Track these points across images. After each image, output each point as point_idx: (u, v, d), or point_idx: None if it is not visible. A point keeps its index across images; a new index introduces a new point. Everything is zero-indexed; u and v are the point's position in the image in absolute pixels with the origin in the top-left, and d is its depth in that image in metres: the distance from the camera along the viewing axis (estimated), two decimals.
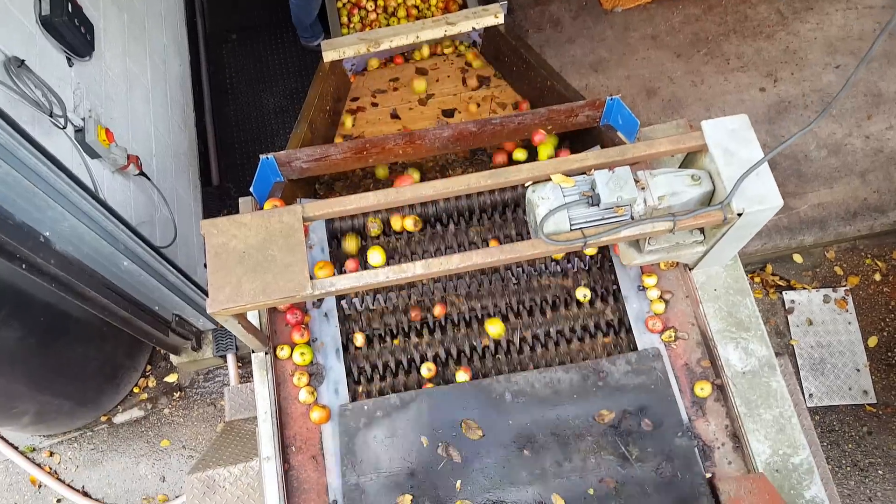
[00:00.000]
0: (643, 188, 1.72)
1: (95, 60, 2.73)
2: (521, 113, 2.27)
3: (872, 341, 3.65)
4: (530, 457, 1.88)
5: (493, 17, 2.84)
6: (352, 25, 3.92)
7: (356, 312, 2.18)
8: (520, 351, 2.12)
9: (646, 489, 1.82)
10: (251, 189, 2.17)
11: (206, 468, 2.67)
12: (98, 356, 3.27)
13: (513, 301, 2.17)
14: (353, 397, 2.05)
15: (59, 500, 3.60)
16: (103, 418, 3.70)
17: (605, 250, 2.20)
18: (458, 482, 1.85)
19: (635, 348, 2.07)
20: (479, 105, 2.81)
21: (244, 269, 1.61)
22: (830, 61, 4.08)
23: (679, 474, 1.84)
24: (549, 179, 1.74)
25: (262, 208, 2.16)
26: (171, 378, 3.76)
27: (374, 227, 2.23)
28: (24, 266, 2.17)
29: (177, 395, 3.76)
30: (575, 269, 2.20)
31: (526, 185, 1.77)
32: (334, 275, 2.15)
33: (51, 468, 3.65)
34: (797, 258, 3.83)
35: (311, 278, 1.61)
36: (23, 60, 2.16)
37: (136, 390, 3.75)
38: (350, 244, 2.21)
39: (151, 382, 3.77)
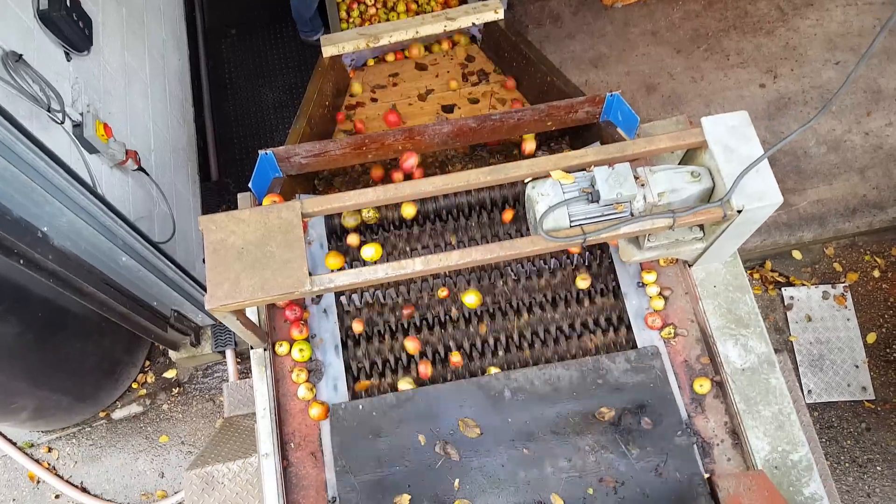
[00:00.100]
0: (643, 185, 1.71)
1: (94, 55, 2.72)
2: (520, 109, 2.26)
3: (871, 338, 3.65)
4: (529, 455, 1.87)
5: (493, 12, 2.83)
6: (351, 20, 3.90)
7: (355, 309, 2.18)
8: (519, 347, 2.11)
9: (645, 489, 1.82)
10: (250, 185, 2.16)
11: (204, 464, 2.67)
12: (96, 352, 3.27)
13: (512, 297, 2.17)
14: (353, 394, 2.05)
15: (57, 496, 3.61)
16: (102, 414, 3.69)
17: (604, 247, 2.19)
18: (457, 481, 1.84)
19: (635, 345, 2.06)
20: (478, 101, 2.80)
21: (243, 265, 1.60)
22: (830, 58, 4.07)
23: (678, 474, 1.84)
24: (549, 176, 1.73)
25: (260, 204, 2.15)
26: (170, 374, 3.76)
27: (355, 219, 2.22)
28: (21, 261, 2.17)
29: (175, 390, 3.76)
30: (574, 266, 2.19)
31: (525, 181, 1.76)
32: (344, 266, 2.16)
33: (49, 464, 3.65)
34: (796, 255, 3.83)
35: (310, 274, 1.60)
36: (20, 55, 2.15)
37: (134, 386, 3.75)
38: (349, 220, 2.21)
39: (150, 378, 3.77)
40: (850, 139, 3.88)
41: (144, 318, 3.01)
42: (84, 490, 3.60)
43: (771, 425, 1.89)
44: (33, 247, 2.19)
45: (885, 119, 3.90)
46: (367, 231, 2.27)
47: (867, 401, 3.55)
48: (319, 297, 2.16)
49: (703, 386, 1.98)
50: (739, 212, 1.67)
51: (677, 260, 2.13)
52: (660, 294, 2.10)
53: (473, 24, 2.84)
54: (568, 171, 1.73)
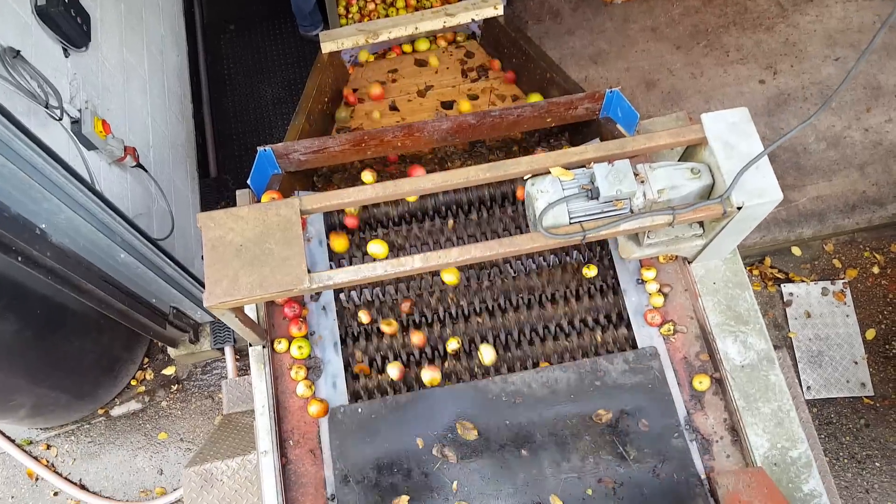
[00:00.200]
0: (642, 181, 1.71)
1: (92, 51, 2.71)
2: (520, 105, 2.25)
3: (870, 334, 3.65)
4: (528, 457, 1.86)
5: (493, 8, 2.82)
6: (350, 16, 3.89)
7: (354, 306, 2.17)
8: (518, 345, 2.11)
9: (643, 490, 1.81)
10: (248, 181, 2.15)
11: (203, 461, 2.67)
12: (95, 349, 3.26)
13: (512, 294, 2.16)
14: (352, 392, 2.05)
15: (56, 493, 3.61)
16: (100, 411, 3.69)
17: (604, 244, 2.19)
18: (455, 483, 1.84)
19: (634, 342, 2.06)
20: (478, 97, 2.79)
21: (241, 262, 1.60)
22: (830, 54, 4.07)
23: (676, 475, 1.84)
24: (549, 172, 1.73)
25: (259, 201, 2.14)
26: (169, 371, 3.76)
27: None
28: (20, 258, 2.16)
29: (174, 387, 3.76)
30: (574, 263, 2.19)
31: (525, 178, 1.76)
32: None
33: (48, 461, 3.65)
34: (796, 251, 3.83)
35: (309, 272, 1.60)
36: (18, 51, 2.14)
37: (133, 383, 3.74)
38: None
39: (149, 375, 3.76)
40: (850, 135, 3.87)
41: (143, 315, 3.00)
42: (83, 487, 3.60)
43: (770, 422, 1.89)
44: (31, 244, 2.18)
45: (885, 115, 3.89)
46: (368, 228, 2.27)
47: (866, 397, 3.55)
48: (318, 294, 2.15)
49: (702, 383, 1.98)
50: (739, 208, 1.67)
51: (677, 257, 2.12)
52: (659, 291, 2.10)
53: (473, 19, 2.84)
54: (567, 167, 1.73)
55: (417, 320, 2.15)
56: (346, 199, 1.71)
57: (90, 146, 2.53)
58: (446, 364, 2.09)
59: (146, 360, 3.80)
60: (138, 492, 3.59)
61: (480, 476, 1.85)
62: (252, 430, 2.86)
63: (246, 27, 4.65)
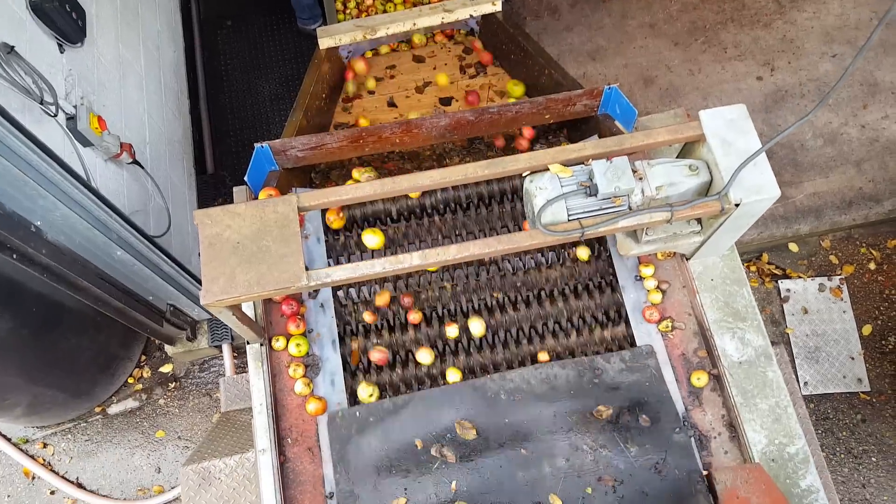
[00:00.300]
0: (641, 178, 1.71)
1: (87, 47, 2.69)
2: (518, 101, 2.25)
3: (867, 329, 3.66)
4: (527, 455, 1.86)
5: (491, 4, 2.81)
6: (348, 11, 3.87)
7: (352, 304, 2.17)
8: (517, 342, 2.11)
9: (643, 487, 1.81)
10: (246, 178, 2.14)
11: (201, 459, 2.66)
12: (92, 347, 3.25)
13: (510, 292, 2.16)
14: (350, 391, 2.04)
15: (52, 492, 3.60)
16: (97, 409, 3.68)
17: (602, 240, 2.19)
18: (454, 483, 1.83)
19: (632, 338, 2.06)
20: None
21: (238, 259, 1.59)
22: (827, 50, 4.07)
23: (677, 471, 1.83)
24: (547, 169, 1.73)
25: (256, 198, 2.14)
26: (166, 368, 3.75)
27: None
28: (15, 256, 2.15)
29: (172, 385, 3.75)
30: (572, 260, 2.19)
31: (524, 174, 1.75)
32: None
33: (44, 460, 3.64)
34: (793, 247, 3.84)
35: (307, 269, 1.59)
36: (12, 47, 2.12)
37: (130, 381, 3.73)
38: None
39: (146, 373, 3.76)
40: (847, 132, 3.88)
41: (140, 313, 2.99)
42: (80, 486, 3.59)
43: (768, 418, 1.90)
44: (27, 241, 2.17)
45: (882, 112, 3.90)
46: (367, 225, 2.26)
47: (862, 392, 3.57)
48: (316, 291, 2.15)
49: (700, 379, 1.98)
50: (737, 205, 1.67)
51: (675, 253, 2.12)
52: (657, 287, 2.10)
53: (471, 16, 2.83)
54: (566, 164, 1.73)
55: (418, 336, 2.14)
56: (344, 195, 1.70)
57: (86, 143, 2.52)
58: (443, 346, 2.09)
59: (143, 357, 3.79)
60: (136, 490, 3.58)
61: (480, 476, 1.84)
62: (250, 428, 2.86)
63: (243, 22, 4.63)
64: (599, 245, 2.19)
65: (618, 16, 4.29)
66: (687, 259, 2.06)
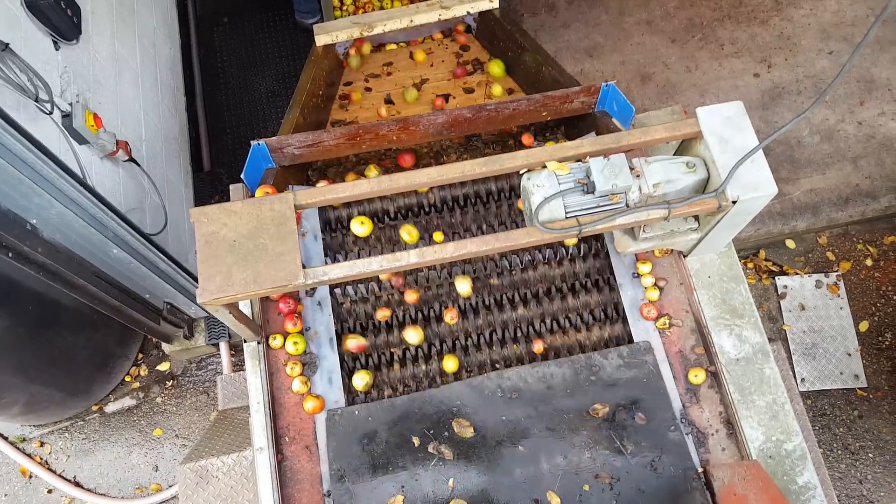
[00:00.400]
0: (638, 175, 1.70)
1: (83, 44, 2.68)
2: (515, 99, 2.25)
3: (863, 326, 3.67)
4: (525, 453, 1.86)
5: (488, 1, 2.80)
6: (344, 8, 3.86)
7: (350, 303, 2.16)
8: (515, 340, 2.11)
9: (640, 485, 1.81)
10: (242, 176, 2.14)
11: (199, 458, 2.66)
12: (88, 345, 3.24)
13: (508, 289, 2.16)
14: (348, 390, 2.04)
15: (50, 491, 3.59)
16: (94, 407, 3.68)
17: (600, 238, 2.19)
18: (451, 480, 1.83)
19: (630, 335, 2.06)
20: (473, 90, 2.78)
21: (235, 257, 1.59)
22: (824, 47, 4.07)
23: (673, 469, 1.84)
24: (545, 166, 1.72)
25: (253, 195, 2.13)
26: (164, 366, 3.74)
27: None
28: (10, 255, 2.14)
29: (169, 383, 3.74)
30: (570, 257, 2.19)
31: (521, 172, 1.75)
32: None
33: (41, 458, 3.63)
34: (790, 244, 3.84)
35: (304, 267, 1.59)
36: (7, 44, 2.11)
37: (127, 379, 3.73)
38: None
39: (143, 371, 3.75)
40: (844, 129, 3.88)
41: (137, 311, 2.98)
42: (77, 484, 3.59)
43: (765, 415, 1.90)
44: (22, 240, 2.16)
45: (878, 108, 3.90)
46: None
47: (859, 388, 3.58)
48: (314, 289, 2.14)
49: (697, 376, 1.98)
50: (734, 202, 1.67)
51: (672, 250, 2.12)
52: (655, 285, 2.10)
53: (468, 12, 2.82)
54: (563, 161, 1.72)
55: (413, 314, 2.14)
56: (342, 193, 1.70)
57: (81, 140, 2.51)
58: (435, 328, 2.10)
59: (140, 356, 3.78)
60: (133, 489, 3.58)
61: (477, 473, 1.84)
62: (247, 426, 2.85)
63: (239, 19, 4.61)
64: (597, 242, 2.18)
65: (615, 13, 4.28)
66: (684, 256, 2.06)
